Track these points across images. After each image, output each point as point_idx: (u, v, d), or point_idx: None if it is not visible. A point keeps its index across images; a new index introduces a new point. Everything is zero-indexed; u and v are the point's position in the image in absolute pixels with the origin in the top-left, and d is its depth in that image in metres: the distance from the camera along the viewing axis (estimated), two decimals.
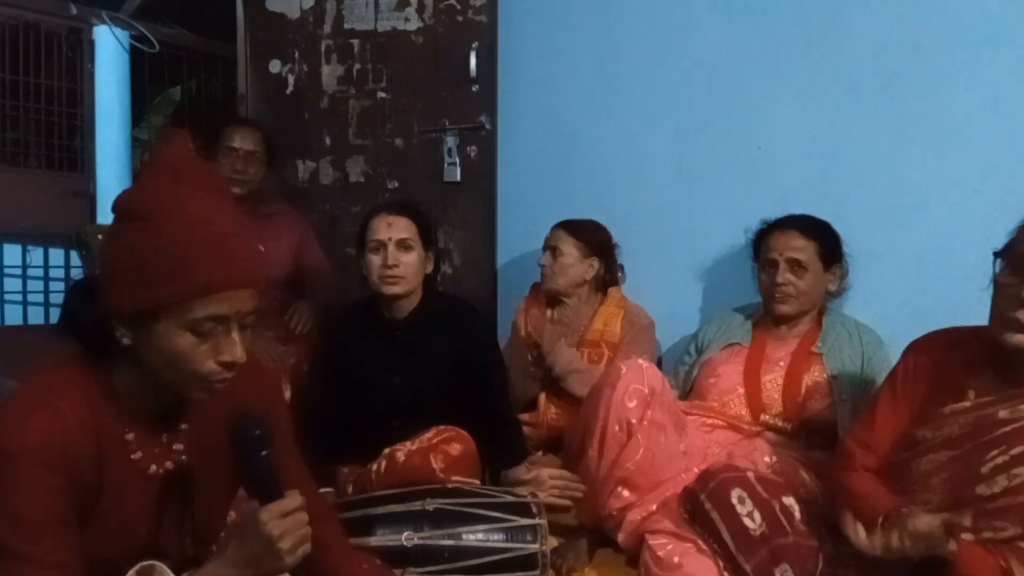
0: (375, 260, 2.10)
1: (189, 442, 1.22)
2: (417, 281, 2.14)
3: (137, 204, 1.09)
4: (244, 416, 1.17)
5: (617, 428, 1.87)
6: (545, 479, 1.97)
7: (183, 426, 1.22)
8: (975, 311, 2.17)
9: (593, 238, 2.62)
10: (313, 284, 2.88)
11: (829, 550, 1.59)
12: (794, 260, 2.17)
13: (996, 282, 1.51)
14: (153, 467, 1.19)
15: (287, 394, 2.31)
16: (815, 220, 2.24)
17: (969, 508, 1.41)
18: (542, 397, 2.53)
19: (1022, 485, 1.37)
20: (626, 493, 1.87)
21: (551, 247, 2.59)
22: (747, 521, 1.59)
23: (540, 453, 2.41)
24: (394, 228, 2.10)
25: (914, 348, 1.69)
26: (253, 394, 1.26)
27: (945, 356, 1.59)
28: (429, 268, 2.17)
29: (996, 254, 1.53)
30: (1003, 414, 1.45)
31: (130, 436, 1.16)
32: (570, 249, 2.59)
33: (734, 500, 1.61)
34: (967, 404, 1.50)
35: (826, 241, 2.21)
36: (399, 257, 2.09)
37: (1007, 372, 1.50)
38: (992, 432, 1.43)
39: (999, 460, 1.39)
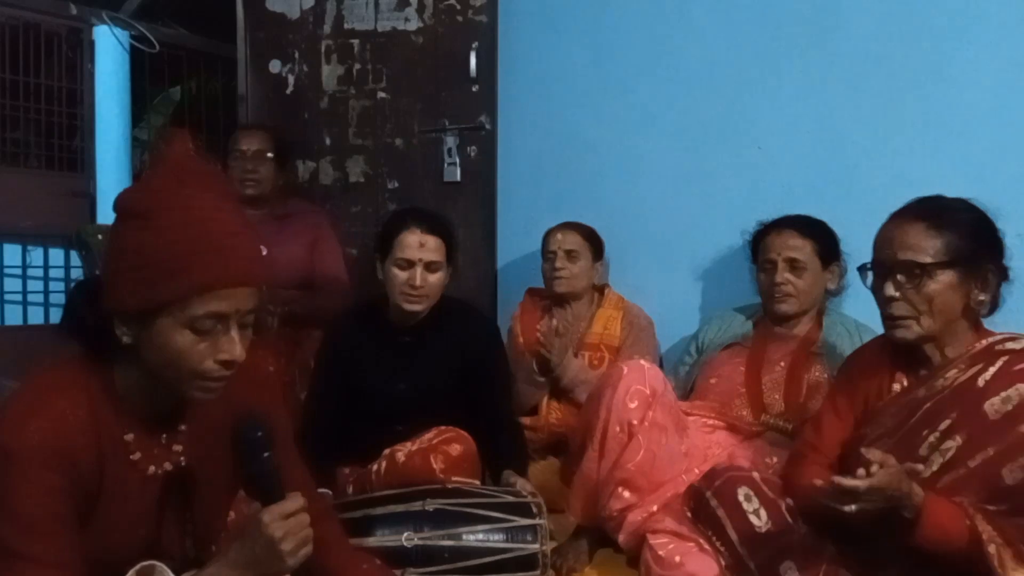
0: (400, 276, 2.06)
1: (188, 443, 1.22)
2: (437, 297, 2.11)
3: (138, 203, 1.10)
4: (246, 418, 1.17)
5: (618, 429, 1.87)
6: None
7: (182, 427, 1.22)
8: None
9: (599, 241, 2.65)
10: (323, 294, 2.80)
11: (833, 549, 1.59)
12: (792, 259, 2.17)
13: (872, 290, 1.56)
14: (152, 468, 1.19)
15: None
16: (812, 219, 2.24)
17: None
18: (544, 401, 2.53)
19: (955, 458, 1.38)
20: (627, 494, 1.87)
21: (567, 250, 2.59)
22: (753, 519, 1.59)
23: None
24: (426, 249, 2.06)
25: (848, 359, 1.76)
26: (253, 396, 1.26)
27: (874, 360, 1.63)
28: (446, 280, 2.15)
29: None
30: (922, 393, 1.48)
31: (129, 437, 1.16)
32: (586, 252, 2.60)
33: (740, 498, 1.61)
34: (895, 395, 1.55)
35: (823, 240, 2.21)
36: (427, 278, 2.06)
37: (921, 360, 1.54)
38: (917, 412, 1.45)
39: (931, 439, 1.41)
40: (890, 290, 1.47)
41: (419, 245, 2.05)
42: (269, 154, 2.85)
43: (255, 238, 1.15)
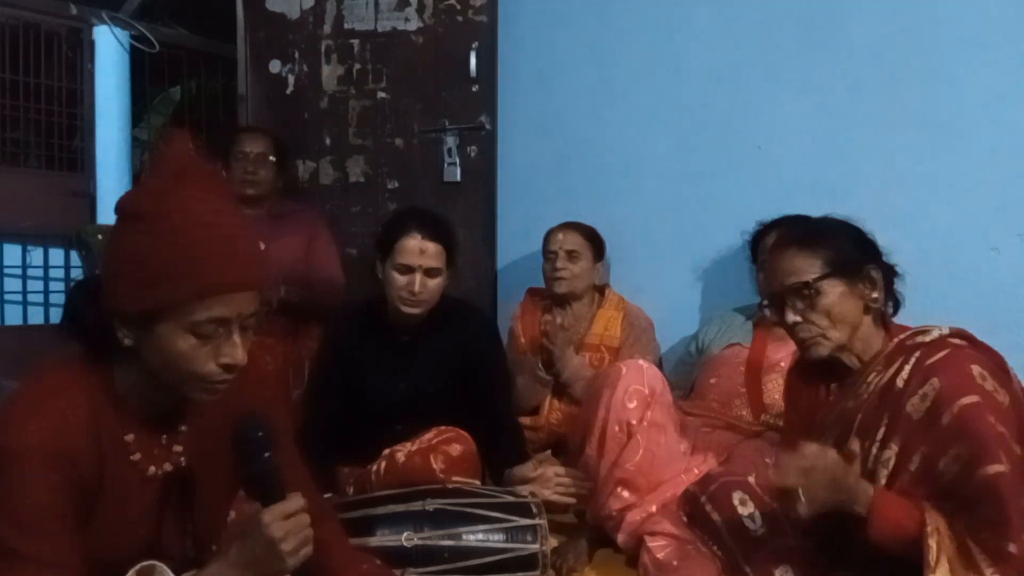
0: (400, 280, 2.06)
1: (188, 444, 1.22)
2: (436, 300, 2.11)
3: (140, 205, 1.09)
4: (246, 418, 1.17)
5: (617, 429, 1.87)
6: (551, 476, 1.97)
7: (182, 428, 1.22)
8: (975, 311, 2.19)
9: (600, 242, 2.65)
10: (318, 290, 2.81)
11: (829, 552, 1.59)
12: None
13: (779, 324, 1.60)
14: (152, 469, 1.19)
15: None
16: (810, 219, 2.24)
17: None
18: (544, 401, 2.53)
19: (896, 466, 1.39)
20: (626, 494, 1.87)
21: (568, 250, 2.59)
22: (748, 522, 1.59)
23: (548, 452, 2.41)
24: (426, 256, 2.05)
25: (788, 375, 1.76)
26: (253, 396, 1.26)
27: (808, 373, 1.64)
28: (446, 283, 2.14)
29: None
30: (851, 404, 1.50)
31: (130, 437, 1.16)
32: (587, 253, 2.60)
33: (736, 502, 1.61)
34: (829, 405, 1.56)
35: None
36: (426, 283, 2.05)
37: (840, 368, 1.55)
38: (853, 424, 1.47)
39: (873, 451, 1.42)
40: (791, 316, 1.51)
41: (419, 252, 2.05)
42: (271, 157, 2.88)
43: (256, 241, 1.15)
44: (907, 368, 1.42)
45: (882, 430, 1.42)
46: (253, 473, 1.16)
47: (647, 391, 1.88)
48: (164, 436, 1.21)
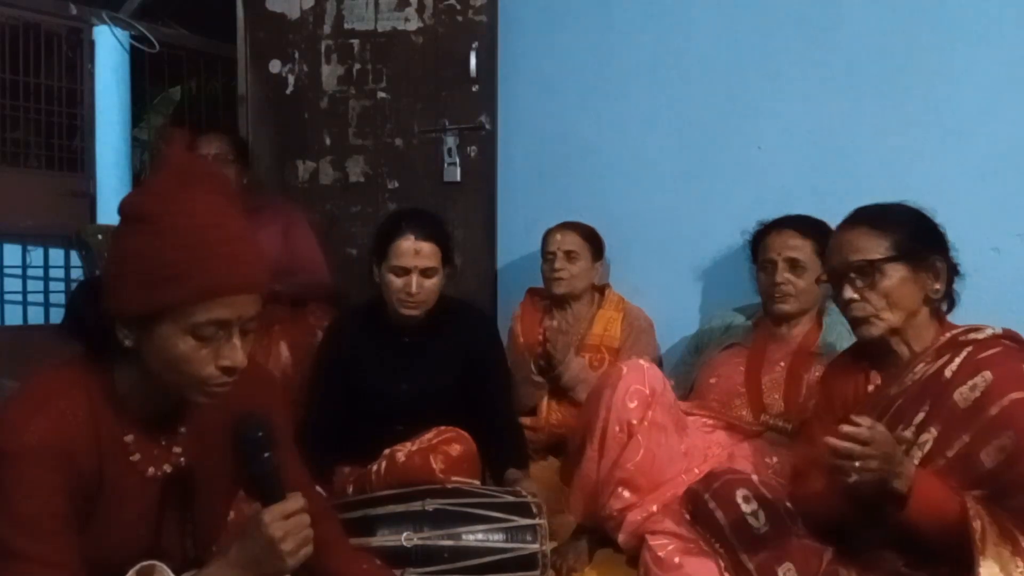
0: (396, 282, 2.06)
1: (188, 445, 1.22)
2: (435, 300, 2.11)
3: (142, 206, 1.10)
4: (246, 418, 1.17)
5: (618, 429, 1.87)
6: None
7: (182, 429, 1.23)
8: (975, 309, 2.18)
9: (599, 241, 2.64)
10: (302, 275, 2.81)
11: (832, 550, 1.59)
12: (792, 259, 2.17)
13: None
14: (151, 469, 1.19)
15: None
16: (811, 219, 2.24)
17: None
18: (544, 401, 2.53)
19: (932, 450, 1.42)
20: (626, 494, 1.87)
21: (567, 251, 2.58)
22: (751, 520, 1.59)
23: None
24: (421, 256, 2.05)
25: (826, 370, 1.80)
26: (253, 396, 1.26)
27: (848, 365, 1.68)
28: (444, 282, 2.14)
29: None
30: (894, 390, 1.52)
31: (129, 438, 1.16)
32: (585, 253, 2.60)
33: (739, 499, 1.61)
34: (870, 394, 1.59)
35: (823, 239, 2.19)
36: (423, 284, 2.06)
37: (891, 358, 1.57)
38: (890, 409, 1.50)
39: (908, 435, 1.44)
40: (848, 293, 1.52)
41: (414, 252, 2.05)
42: (230, 157, 2.87)
43: (257, 243, 1.16)
44: (957, 360, 1.45)
45: (921, 415, 1.45)
46: (253, 473, 1.16)
47: (648, 391, 1.88)
48: (163, 437, 1.21)
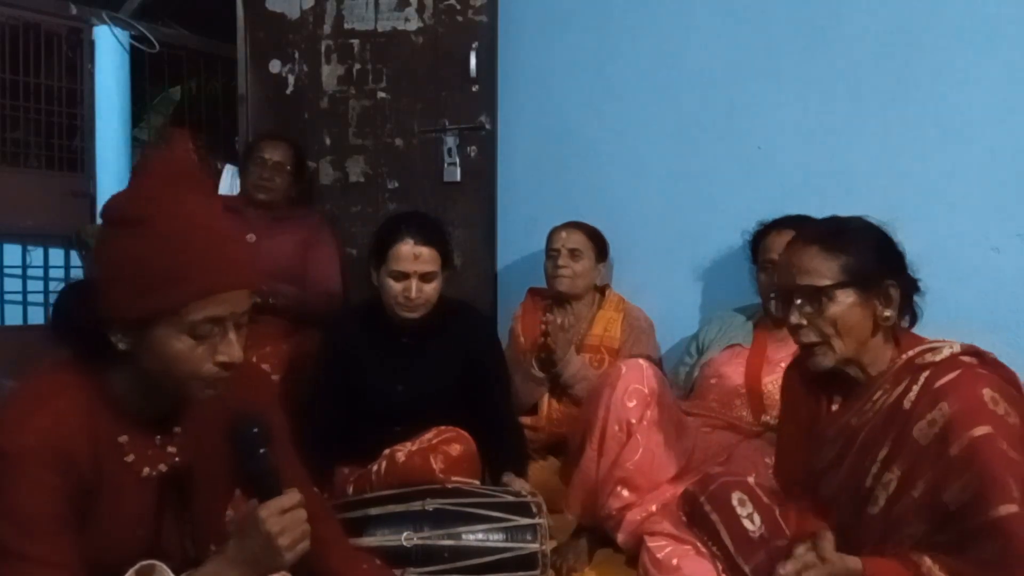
0: (395, 287, 2.06)
1: (184, 444, 1.22)
2: (434, 303, 2.11)
3: (129, 209, 1.09)
4: (242, 415, 1.17)
5: (617, 428, 1.87)
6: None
7: (177, 429, 1.22)
8: (975, 311, 2.19)
9: (603, 243, 2.64)
10: (312, 294, 2.81)
11: None
12: None
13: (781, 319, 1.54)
14: (146, 470, 1.19)
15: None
16: (811, 219, 2.23)
17: (869, 529, 1.41)
18: (544, 400, 2.53)
19: (898, 490, 1.36)
20: (626, 493, 1.87)
21: (571, 249, 2.58)
22: (747, 523, 1.58)
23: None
24: (420, 261, 2.04)
25: (785, 378, 1.69)
26: (248, 394, 1.26)
27: (808, 379, 1.58)
28: (443, 284, 2.13)
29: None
30: (854, 421, 1.45)
31: (124, 439, 1.16)
32: (589, 252, 2.59)
33: (734, 502, 1.60)
34: (831, 418, 1.51)
35: None
36: (422, 288, 2.05)
37: (843, 378, 1.50)
38: (855, 442, 1.43)
39: (873, 470, 1.39)
40: (794, 318, 1.44)
41: (413, 257, 2.04)
42: (288, 167, 2.92)
43: (244, 239, 1.16)
44: (915, 389, 1.37)
45: (884, 451, 1.38)
46: (249, 469, 1.16)
47: (647, 390, 1.88)
48: (158, 437, 1.20)
